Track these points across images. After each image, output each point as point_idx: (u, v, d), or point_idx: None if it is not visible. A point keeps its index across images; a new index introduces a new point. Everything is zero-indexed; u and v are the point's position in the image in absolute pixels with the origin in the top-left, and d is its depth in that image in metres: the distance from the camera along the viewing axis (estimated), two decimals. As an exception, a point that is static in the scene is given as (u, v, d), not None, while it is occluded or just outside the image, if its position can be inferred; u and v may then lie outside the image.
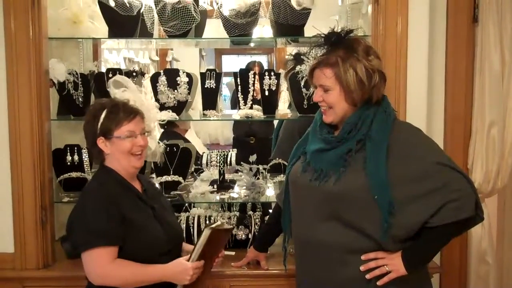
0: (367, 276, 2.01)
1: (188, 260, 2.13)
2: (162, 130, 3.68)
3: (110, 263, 2.06)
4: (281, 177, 3.16)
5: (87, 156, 3.00)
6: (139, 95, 2.51)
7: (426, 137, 2.13)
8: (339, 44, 2.05)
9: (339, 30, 2.10)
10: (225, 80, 6.81)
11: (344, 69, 2.00)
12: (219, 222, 2.24)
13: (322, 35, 2.10)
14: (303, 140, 2.26)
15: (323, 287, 2.10)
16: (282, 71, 3.33)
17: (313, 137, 2.19)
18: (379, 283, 2.01)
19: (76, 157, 2.99)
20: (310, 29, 2.98)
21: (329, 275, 2.07)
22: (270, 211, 3.67)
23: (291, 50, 4.99)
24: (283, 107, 3.91)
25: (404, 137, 2.05)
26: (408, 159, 1.99)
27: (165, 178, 3.05)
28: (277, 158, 3.33)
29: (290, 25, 2.95)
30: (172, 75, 2.99)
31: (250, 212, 3.10)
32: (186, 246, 2.43)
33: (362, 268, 2.02)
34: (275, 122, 4.19)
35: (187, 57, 6.16)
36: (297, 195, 2.20)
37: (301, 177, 2.14)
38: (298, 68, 2.99)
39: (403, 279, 2.02)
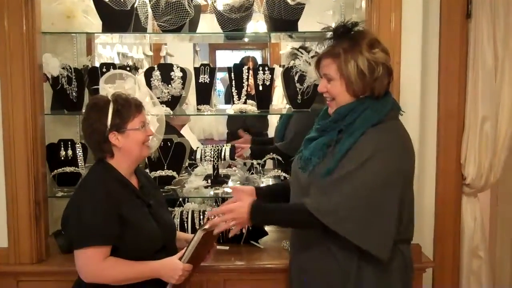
0: (214, 233, 2.12)
1: (180, 258, 2.13)
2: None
3: (102, 262, 2.07)
4: (275, 172, 3.16)
5: (81, 151, 3.00)
6: (131, 87, 2.54)
7: (387, 152, 2.00)
8: (345, 36, 2.07)
9: (346, 22, 2.11)
10: (219, 75, 6.81)
11: (345, 60, 2.02)
12: (212, 222, 2.22)
13: (331, 27, 2.13)
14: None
15: (307, 275, 2.14)
16: (276, 66, 3.33)
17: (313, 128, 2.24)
18: (230, 234, 2.17)
19: (70, 152, 2.99)
20: (304, 24, 3.00)
21: (311, 263, 2.12)
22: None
23: (286, 44, 5.01)
24: (277, 102, 3.92)
25: (367, 142, 2.00)
26: (351, 162, 1.98)
27: (159, 172, 3.05)
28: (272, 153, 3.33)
29: (284, 20, 2.94)
30: (166, 70, 2.98)
31: (244, 207, 3.10)
32: (180, 234, 2.45)
33: (206, 226, 2.11)
34: (269, 117, 4.20)
35: (181, 52, 6.15)
36: (291, 182, 2.27)
37: (295, 165, 2.22)
38: (292, 63, 2.99)
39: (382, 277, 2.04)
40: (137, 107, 2.20)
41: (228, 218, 2.07)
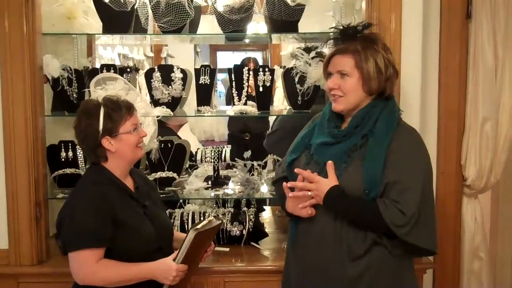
0: (290, 194, 2.09)
1: (174, 259, 2.12)
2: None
3: (95, 264, 2.06)
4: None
5: (81, 152, 2.99)
6: (122, 88, 2.54)
7: (424, 151, 2.12)
8: (355, 36, 2.09)
9: (359, 24, 2.14)
10: (220, 76, 6.83)
11: (365, 56, 2.04)
12: (205, 222, 2.19)
13: (340, 27, 2.14)
14: (309, 132, 2.25)
15: (318, 283, 2.10)
16: (276, 67, 3.33)
17: (319, 130, 2.20)
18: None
19: (70, 153, 2.98)
20: (305, 25, 3.00)
21: (323, 273, 2.07)
22: (265, 207, 3.70)
23: (286, 46, 5.02)
24: (278, 103, 3.92)
25: (406, 143, 2.06)
26: (402, 166, 2.00)
27: (160, 174, 3.05)
28: (272, 154, 3.33)
29: (284, 21, 2.94)
30: (166, 71, 2.98)
31: (245, 208, 3.11)
32: (178, 234, 2.45)
33: (290, 194, 2.09)
34: (270, 118, 4.20)
35: (182, 53, 6.17)
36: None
37: (305, 169, 2.13)
38: (292, 64, 2.99)
39: (386, 272, 2.04)
40: (128, 109, 2.19)
41: (311, 187, 2.04)
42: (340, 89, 2.09)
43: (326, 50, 2.34)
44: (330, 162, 2.02)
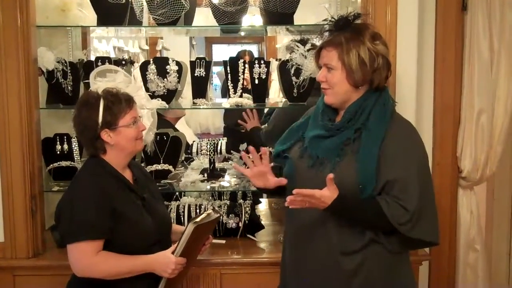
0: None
1: (173, 252, 2.12)
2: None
3: (94, 256, 2.06)
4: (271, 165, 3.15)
5: (76, 145, 2.98)
6: (122, 80, 2.53)
7: (419, 142, 2.10)
8: (347, 27, 2.07)
9: (348, 14, 2.11)
10: (216, 69, 6.83)
11: (347, 49, 2.01)
12: (204, 215, 2.19)
13: (332, 19, 2.11)
14: (303, 124, 2.24)
15: (310, 277, 2.10)
16: (272, 60, 3.32)
17: (313, 123, 2.18)
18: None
19: (65, 146, 2.98)
20: (300, 17, 2.99)
21: (318, 267, 2.07)
22: (261, 199, 3.70)
23: (282, 39, 5.01)
24: (274, 95, 3.90)
25: (400, 136, 2.04)
26: (398, 162, 1.99)
27: (155, 166, 3.05)
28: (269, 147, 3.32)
29: (280, 13, 2.93)
30: (161, 63, 2.97)
31: (241, 201, 3.11)
32: (176, 227, 2.44)
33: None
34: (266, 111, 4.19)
35: (177, 46, 6.17)
36: (296, 179, 2.15)
37: (299, 162, 2.13)
38: (288, 56, 2.98)
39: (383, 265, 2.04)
40: (128, 102, 2.18)
41: (310, 201, 1.94)
42: (327, 82, 2.08)
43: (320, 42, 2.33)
44: (331, 176, 1.92)
